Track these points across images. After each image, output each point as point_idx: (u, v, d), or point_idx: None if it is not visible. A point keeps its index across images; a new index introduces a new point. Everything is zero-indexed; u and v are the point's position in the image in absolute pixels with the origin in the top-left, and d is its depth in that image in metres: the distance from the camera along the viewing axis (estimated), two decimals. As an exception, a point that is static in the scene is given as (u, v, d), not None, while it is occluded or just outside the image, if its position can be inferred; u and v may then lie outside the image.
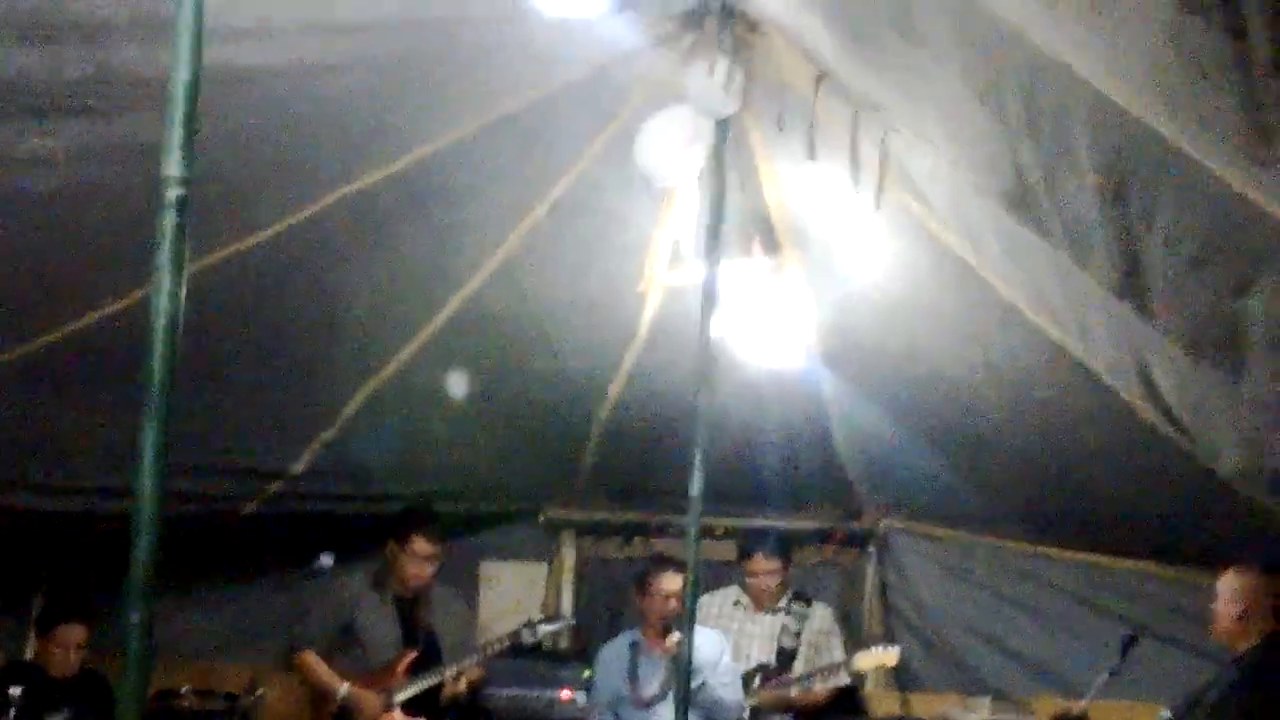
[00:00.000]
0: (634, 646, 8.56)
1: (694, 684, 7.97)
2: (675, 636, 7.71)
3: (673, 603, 8.12)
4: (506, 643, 8.43)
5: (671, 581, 8.17)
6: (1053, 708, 8.37)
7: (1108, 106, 4.35)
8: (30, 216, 5.63)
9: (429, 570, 8.43)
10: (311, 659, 8.32)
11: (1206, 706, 6.60)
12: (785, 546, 9.27)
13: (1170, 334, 5.65)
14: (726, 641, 8.59)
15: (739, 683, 8.48)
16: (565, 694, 9.16)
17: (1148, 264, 5.15)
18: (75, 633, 8.45)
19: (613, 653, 8.61)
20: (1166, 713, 6.96)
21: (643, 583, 8.57)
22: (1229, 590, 6.84)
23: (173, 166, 3.17)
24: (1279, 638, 6.79)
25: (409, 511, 8.59)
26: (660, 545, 10.07)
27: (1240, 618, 6.73)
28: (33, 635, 8.83)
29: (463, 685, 8.34)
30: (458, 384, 8.27)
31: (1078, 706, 7.28)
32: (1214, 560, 8.39)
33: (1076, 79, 4.32)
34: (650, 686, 8.31)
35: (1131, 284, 5.34)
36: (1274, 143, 4.00)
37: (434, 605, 8.57)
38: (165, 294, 3.14)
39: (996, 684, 9.28)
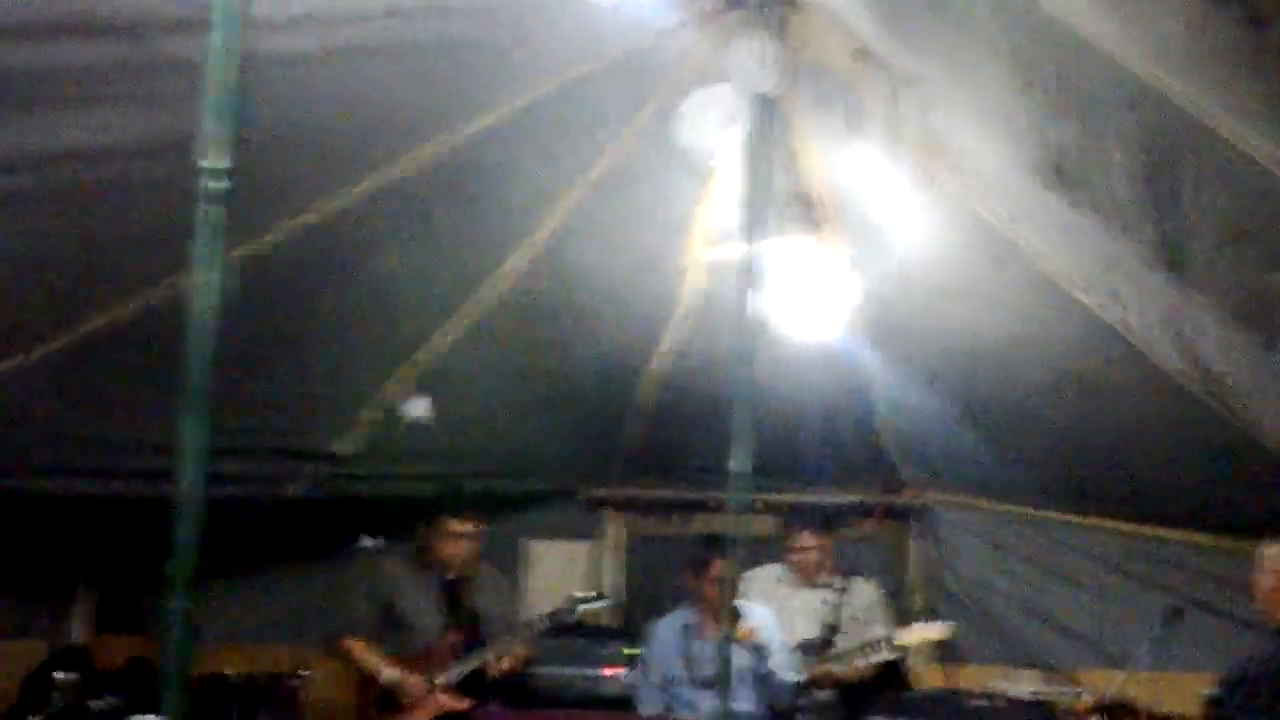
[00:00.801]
0: (687, 629, 8.52)
1: (762, 667, 8.02)
2: (748, 626, 7.76)
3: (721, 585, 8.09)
4: (548, 622, 8.43)
5: (730, 566, 8.09)
6: (1098, 679, 8.35)
7: (1146, 89, 4.35)
8: (73, 206, 5.65)
9: (464, 549, 8.43)
10: (355, 644, 8.32)
11: (1249, 683, 6.58)
12: (828, 522, 9.24)
13: (1209, 307, 5.65)
14: (769, 618, 8.57)
15: (788, 665, 8.44)
16: (608, 671, 9.22)
17: (1185, 240, 5.15)
18: (124, 642, 8.45)
19: (667, 631, 8.54)
20: (1215, 691, 6.93)
21: (698, 565, 8.54)
22: (1268, 560, 6.82)
23: (212, 158, 3.18)
24: None
25: (439, 492, 8.60)
26: (702, 522, 10.07)
27: (1277, 588, 6.72)
28: (77, 622, 8.85)
29: (507, 664, 8.35)
30: (499, 363, 8.29)
31: (1117, 686, 7.23)
32: (1257, 530, 8.38)
33: (1114, 63, 4.32)
34: (705, 668, 8.27)
35: (1170, 258, 5.34)
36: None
37: (478, 586, 8.57)
38: (204, 284, 3.15)
39: (1041, 656, 9.28)
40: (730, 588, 7.89)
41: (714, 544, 8.36)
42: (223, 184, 3.18)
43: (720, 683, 6.28)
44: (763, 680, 8.07)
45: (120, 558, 8.94)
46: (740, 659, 7.97)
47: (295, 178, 6.08)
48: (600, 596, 9.09)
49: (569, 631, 8.87)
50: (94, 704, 8.03)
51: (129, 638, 8.42)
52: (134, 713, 7.53)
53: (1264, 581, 6.83)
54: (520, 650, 8.39)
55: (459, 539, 8.37)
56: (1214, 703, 6.77)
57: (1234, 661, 7.03)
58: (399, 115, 5.91)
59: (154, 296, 6.52)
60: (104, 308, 6.64)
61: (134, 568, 8.20)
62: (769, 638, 8.22)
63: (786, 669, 8.30)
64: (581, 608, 8.56)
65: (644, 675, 8.49)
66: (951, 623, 8.87)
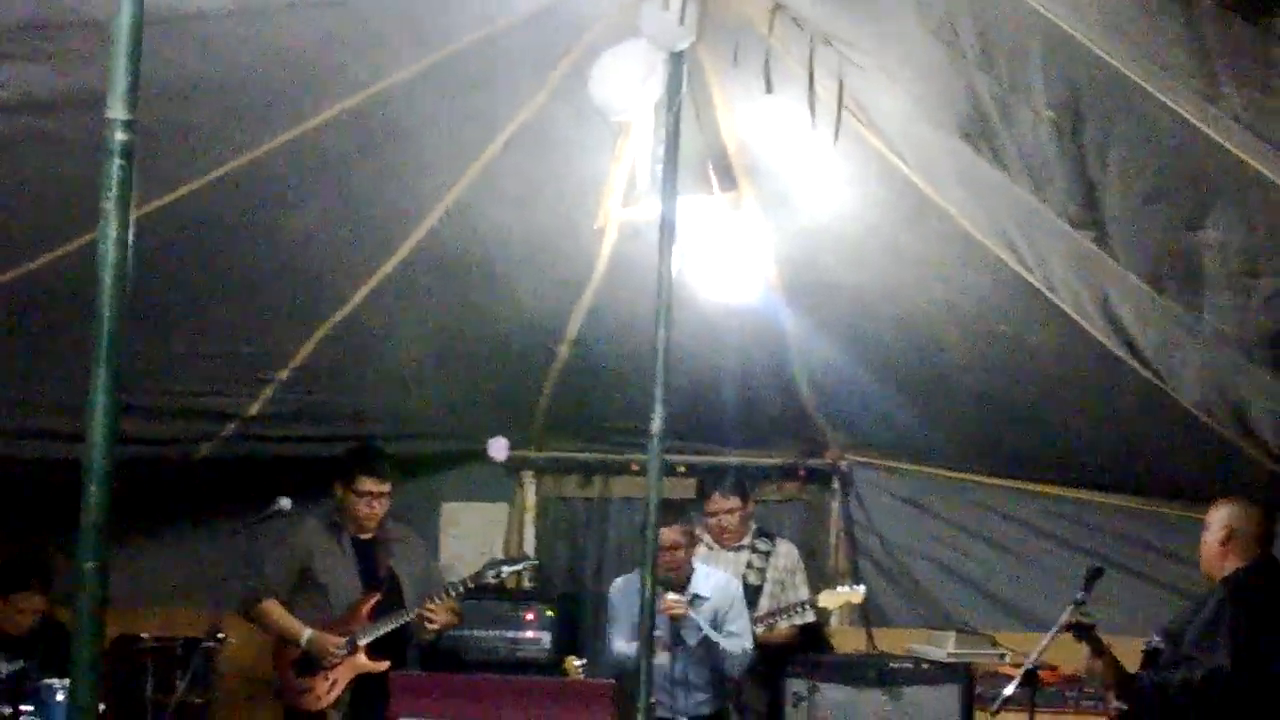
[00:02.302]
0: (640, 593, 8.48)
1: (694, 636, 7.98)
2: (673, 599, 7.73)
3: (676, 554, 8.03)
4: (470, 584, 8.41)
5: (672, 533, 8.01)
6: (1019, 641, 8.39)
7: (1065, 42, 4.34)
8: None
9: (378, 509, 8.39)
10: (273, 606, 8.28)
11: (1199, 625, 6.70)
12: (746, 484, 9.22)
13: (1129, 267, 5.66)
14: (735, 585, 8.50)
15: (747, 630, 8.32)
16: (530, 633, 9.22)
17: (1104, 197, 5.16)
18: (33, 601, 8.36)
19: (629, 587, 8.39)
20: (1156, 638, 7.02)
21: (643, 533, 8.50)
22: (1214, 520, 6.94)
23: (117, 110, 3.12)
24: (1263, 561, 6.90)
25: (353, 451, 8.56)
26: (621, 484, 10.06)
27: (1225, 543, 6.83)
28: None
29: (441, 619, 8.31)
30: (415, 324, 8.24)
31: (1037, 649, 7.29)
32: (1179, 494, 8.45)
33: (1033, 14, 4.30)
34: (659, 629, 8.19)
35: (1088, 216, 5.34)
36: (1221, 81, 4.01)
37: (393, 547, 8.54)
38: (112, 239, 3.09)
39: (962, 618, 9.29)
40: (672, 555, 7.89)
41: (670, 509, 8.29)
42: (130, 136, 3.12)
43: (643, 643, 6.21)
44: (708, 646, 8.02)
45: (28, 518, 8.82)
46: (691, 622, 7.99)
47: (205, 132, 6.00)
48: (520, 559, 9.08)
49: (488, 594, 8.85)
50: (3, 666, 7.95)
51: (38, 598, 8.30)
52: (44, 675, 7.46)
53: (1211, 540, 6.94)
54: (446, 613, 8.35)
55: (375, 498, 8.33)
56: (1153, 655, 6.87)
57: (1175, 615, 7.14)
58: (309, 71, 5.83)
59: (62, 254, 6.44)
60: (12, 264, 6.55)
61: (42, 528, 8.11)
62: (718, 604, 8.20)
63: (743, 635, 8.21)
64: (505, 569, 8.54)
65: (614, 628, 8.38)
66: (864, 585, 8.91)
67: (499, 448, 8.13)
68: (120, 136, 3.12)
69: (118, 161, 3.10)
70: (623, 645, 8.15)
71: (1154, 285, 5.68)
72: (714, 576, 8.33)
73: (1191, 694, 6.58)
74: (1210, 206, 4.85)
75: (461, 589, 8.39)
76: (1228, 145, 4.40)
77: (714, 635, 8.02)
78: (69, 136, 5.42)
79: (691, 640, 7.96)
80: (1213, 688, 6.50)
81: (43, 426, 7.89)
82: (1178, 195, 4.91)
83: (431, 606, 8.28)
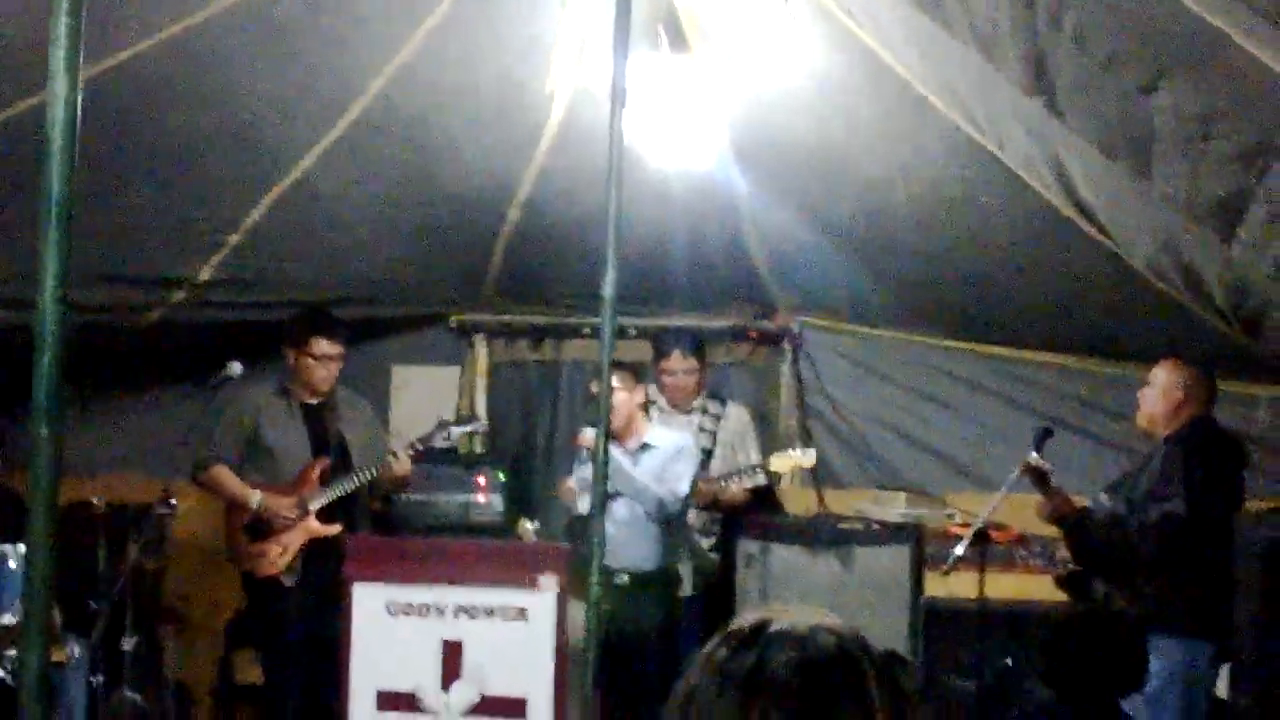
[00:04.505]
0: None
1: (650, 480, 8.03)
2: (588, 434, 7.72)
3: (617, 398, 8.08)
4: (419, 445, 8.41)
5: (617, 380, 8.10)
6: (968, 502, 8.49)
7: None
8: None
9: (333, 371, 8.36)
10: (222, 472, 8.28)
11: (1151, 476, 6.92)
12: (700, 345, 9.24)
13: (1082, 132, 5.66)
14: (686, 441, 8.55)
15: (684, 481, 8.35)
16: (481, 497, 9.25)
17: (1056, 63, 5.14)
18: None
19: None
20: (1103, 496, 7.18)
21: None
22: (1167, 381, 7.11)
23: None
24: (1205, 420, 7.20)
25: (304, 314, 8.50)
26: (572, 347, 10.07)
27: (1179, 405, 7.04)
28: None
29: (403, 469, 8.32)
30: (365, 188, 8.18)
31: (987, 508, 7.41)
32: (1125, 354, 8.51)
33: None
34: (615, 478, 8.20)
35: (1041, 83, 5.34)
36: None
37: (341, 411, 8.53)
38: (61, 100, 3.04)
39: (912, 479, 9.38)
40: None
41: (622, 369, 8.31)
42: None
43: (597, 505, 6.24)
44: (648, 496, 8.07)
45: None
46: (640, 469, 8.12)
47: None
48: (470, 420, 9.09)
49: (439, 457, 8.87)
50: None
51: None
52: (-1, 539, 7.47)
53: (1157, 398, 7.11)
54: (401, 467, 8.34)
55: (329, 360, 8.30)
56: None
57: (1122, 473, 7.35)
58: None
59: (8, 116, 6.37)
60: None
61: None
62: (672, 452, 8.29)
63: (677, 483, 8.24)
64: (455, 431, 8.56)
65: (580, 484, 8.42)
66: (813, 449, 8.96)
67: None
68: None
69: (65, 18, 3.05)
70: (574, 480, 8.43)
71: (1105, 151, 5.69)
72: (669, 433, 8.40)
73: (1147, 537, 6.85)
74: (1167, 70, 4.84)
75: (411, 452, 8.39)
76: (1188, 3, 4.39)
77: (629, 469, 8.13)
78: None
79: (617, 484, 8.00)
80: (1168, 529, 6.80)
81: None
82: (1134, 59, 4.90)
83: (378, 469, 8.29)
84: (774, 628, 2.12)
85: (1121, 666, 7.04)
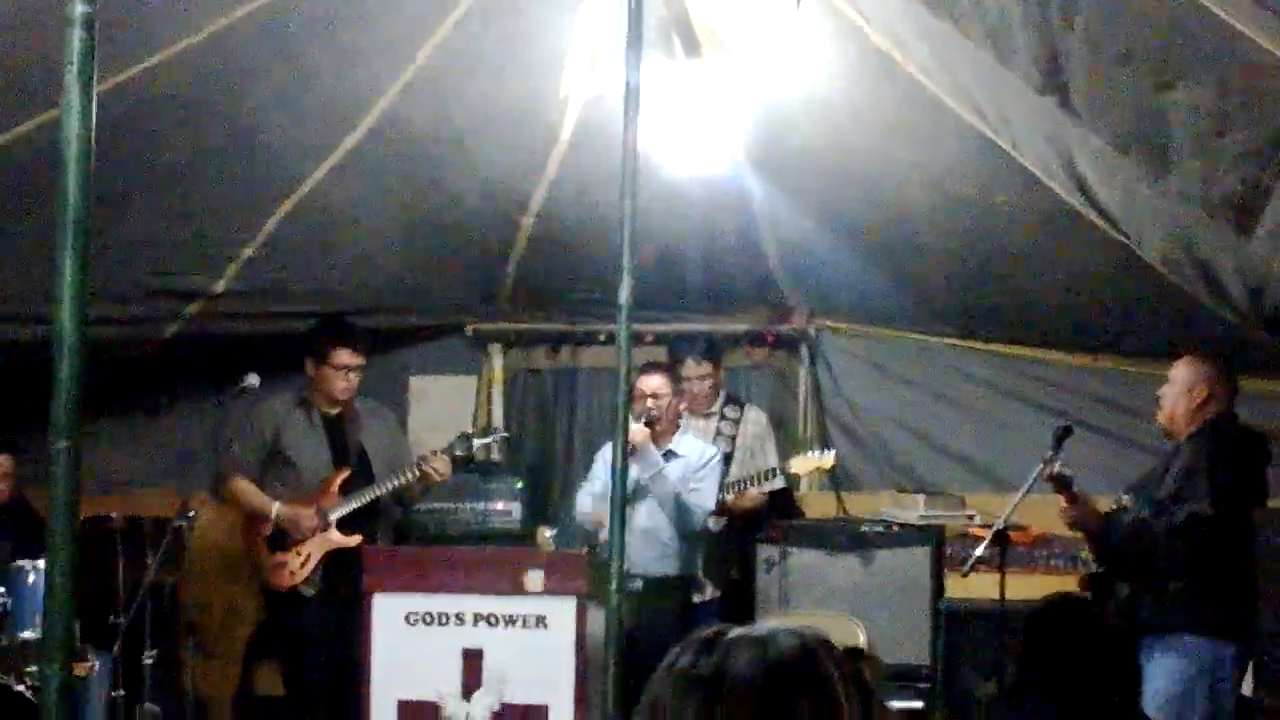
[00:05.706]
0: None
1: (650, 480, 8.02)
2: (636, 428, 7.71)
3: (660, 401, 8.11)
4: (459, 451, 8.42)
5: (649, 380, 8.13)
6: (987, 503, 8.46)
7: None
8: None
9: (354, 381, 8.35)
10: (243, 484, 8.27)
11: (1176, 474, 6.86)
12: (716, 350, 9.25)
13: (1095, 130, 5.64)
14: (713, 452, 8.55)
15: (711, 495, 8.35)
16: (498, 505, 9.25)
17: (1069, 62, 5.13)
18: (1, 462, 8.37)
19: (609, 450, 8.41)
20: (1124, 497, 7.15)
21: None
22: (1187, 378, 7.05)
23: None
24: (1227, 416, 7.10)
25: (325, 324, 8.48)
26: (588, 354, 10.07)
27: (1196, 405, 6.99)
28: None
29: (440, 469, 8.28)
30: (380, 198, 8.19)
31: (1006, 509, 7.38)
32: (1144, 352, 8.48)
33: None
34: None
35: (1054, 82, 5.32)
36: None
37: (362, 421, 8.52)
38: (76, 114, 3.05)
39: (930, 480, 9.35)
40: (647, 403, 7.97)
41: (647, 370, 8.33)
42: (89, 7, 3.07)
43: (616, 511, 6.21)
44: (675, 503, 8.07)
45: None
46: (663, 483, 8.09)
47: (160, 11, 5.93)
48: (492, 431, 9.10)
49: (459, 466, 8.86)
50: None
51: (5, 458, 8.33)
52: (19, 556, 7.47)
53: (1179, 397, 7.07)
54: (444, 463, 8.31)
55: (351, 371, 8.28)
56: (1122, 512, 7.04)
57: (1142, 473, 7.37)
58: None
59: (25, 133, 6.39)
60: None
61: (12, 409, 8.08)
62: (699, 462, 8.28)
63: (705, 496, 8.24)
64: (476, 442, 8.56)
65: (589, 486, 8.41)
66: (834, 450, 8.93)
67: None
68: (81, 8, 3.08)
69: (79, 33, 3.05)
70: (585, 501, 8.37)
71: (1119, 148, 5.67)
72: (697, 443, 8.42)
73: (1174, 539, 6.77)
74: (1183, 67, 4.83)
75: (449, 456, 8.35)
76: (1206, 4, 4.38)
77: (672, 478, 8.12)
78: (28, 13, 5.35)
79: (646, 479, 7.99)
80: (1195, 531, 6.72)
81: (12, 312, 7.85)
82: (1150, 56, 4.89)
83: (428, 456, 8.27)
84: (733, 633, 2.16)
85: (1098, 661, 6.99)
